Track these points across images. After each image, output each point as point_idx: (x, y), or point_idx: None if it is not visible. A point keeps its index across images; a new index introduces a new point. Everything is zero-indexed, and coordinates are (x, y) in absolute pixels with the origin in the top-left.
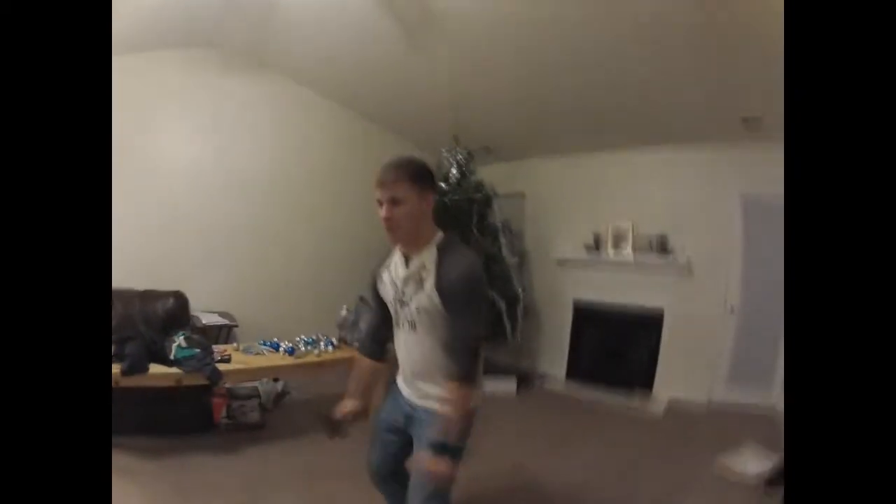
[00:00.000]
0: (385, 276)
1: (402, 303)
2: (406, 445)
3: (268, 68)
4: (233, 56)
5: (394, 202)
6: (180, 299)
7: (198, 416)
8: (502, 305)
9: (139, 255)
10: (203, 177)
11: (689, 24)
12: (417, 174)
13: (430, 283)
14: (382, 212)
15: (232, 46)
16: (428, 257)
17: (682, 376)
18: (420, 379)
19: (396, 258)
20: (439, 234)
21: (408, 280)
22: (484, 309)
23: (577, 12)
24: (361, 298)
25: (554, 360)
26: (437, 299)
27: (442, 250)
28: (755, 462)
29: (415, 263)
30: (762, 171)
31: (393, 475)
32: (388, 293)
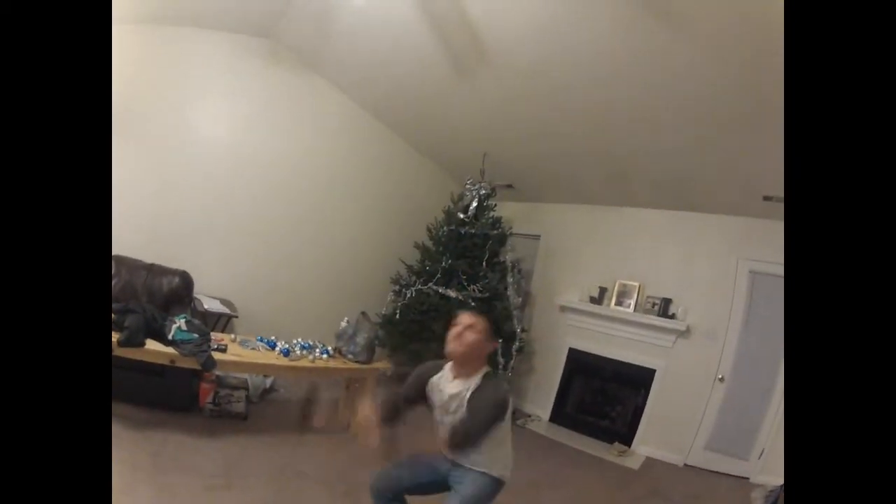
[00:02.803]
0: (435, 382)
1: (446, 411)
2: (437, 483)
3: (314, 70)
4: (283, 51)
5: (469, 327)
6: (186, 280)
7: (184, 396)
8: (499, 340)
9: (151, 227)
10: (232, 162)
11: (725, 101)
12: (491, 326)
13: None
14: (453, 330)
15: (284, 42)
16: (473, 384)
17: (662, 437)
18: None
19: (446, 372)
20: (486, 368)
21: (453, 398)
22: (490, 421)
23: (620, 72)
24: (363, 314)
25: (540, 401)
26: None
27: (485, 379)
28: None
29: (461, 385)
30: (774, 250)
31: (401, 496)
32: (435, 396)
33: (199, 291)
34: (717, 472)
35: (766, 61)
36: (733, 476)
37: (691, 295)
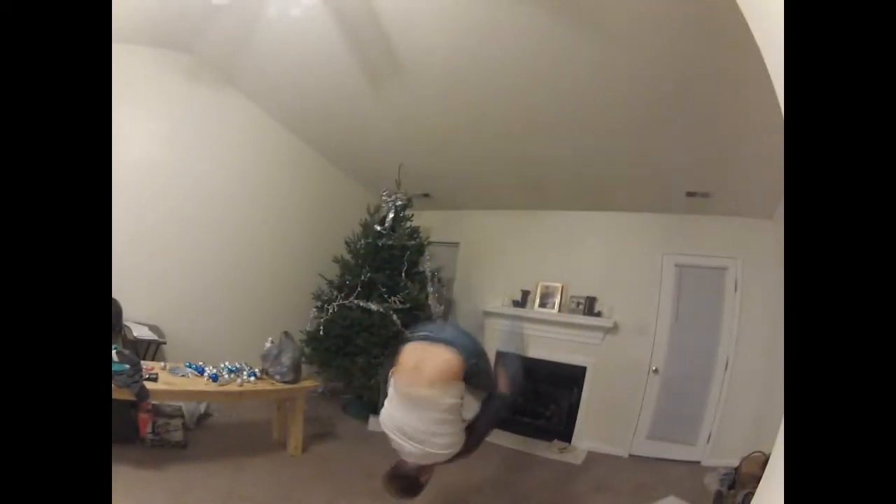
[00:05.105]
0: None
1: None
2: None
3: (232, 85)
4: (202, 66)
5: None
6: (116, 308)
7: (124, 429)
8: None
9: None
10: (149, 183)
11: (642, 103)
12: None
13: None
14: None
15: (203, 57)
16: None
17: (602, 431)
18: None
19: None
20: None
21: None
22: None
23: (533, 78)
24: (286, 333)
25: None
26: None
27: None
28: None
29: None
30: (698, 242)
31: None
32: None
33: (126, 318)
34: (665, 460)
35: (682, 61)
36: (683, 462)
37: (617, 292)
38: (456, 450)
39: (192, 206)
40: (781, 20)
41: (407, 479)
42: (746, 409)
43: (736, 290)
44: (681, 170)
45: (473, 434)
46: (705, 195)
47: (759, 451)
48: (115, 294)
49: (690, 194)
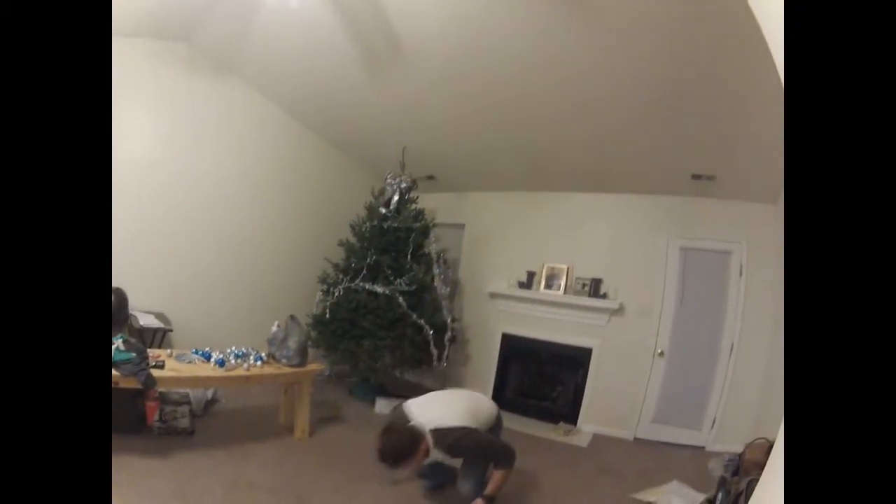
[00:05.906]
0: None
1: None
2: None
3: (232, 73)
4: (203, 55)
5: None
6: (121, 297)
7: (131, 418)
8: (430, 332)
9: None
10: (153, 172)
11: (643, 89)
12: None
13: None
14: None
15: (202, 46)
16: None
17: (607, 413)
18: None
19: None
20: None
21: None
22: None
23: (534, 65)
24: (292, 317)
25: (479, 388)
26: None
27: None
28: (679, 499)
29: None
30: (703, 226)
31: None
32: None
33: (132, 307)
34: (670, 444)
35: (688, 50)
36: (687, 446)
37: (622, 274)
38: (455, 423)
39: (197, 194)
40: (782, 8)
41: (407, 435)
42: (751, 394)
43: (741, 274)
44: (686, 152)
45: (470, 436)
46: (711, 178)
47: (763, 438)
48: (120, 283)
49: (696, 177)
